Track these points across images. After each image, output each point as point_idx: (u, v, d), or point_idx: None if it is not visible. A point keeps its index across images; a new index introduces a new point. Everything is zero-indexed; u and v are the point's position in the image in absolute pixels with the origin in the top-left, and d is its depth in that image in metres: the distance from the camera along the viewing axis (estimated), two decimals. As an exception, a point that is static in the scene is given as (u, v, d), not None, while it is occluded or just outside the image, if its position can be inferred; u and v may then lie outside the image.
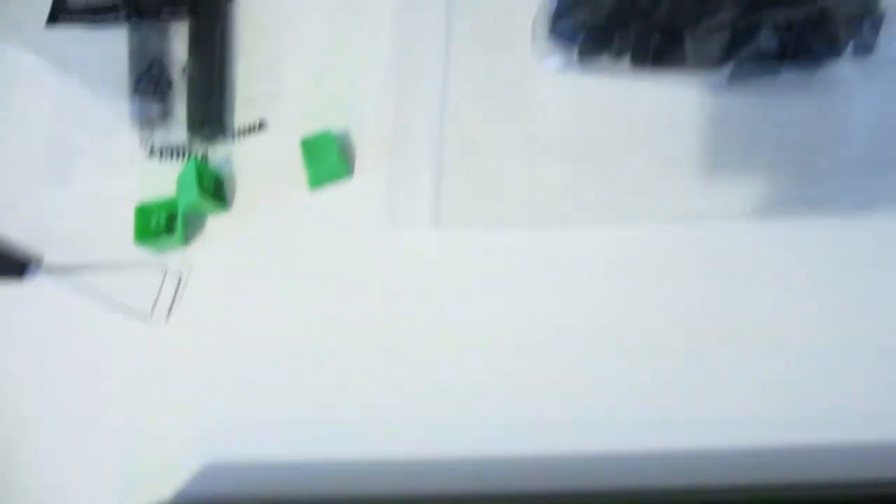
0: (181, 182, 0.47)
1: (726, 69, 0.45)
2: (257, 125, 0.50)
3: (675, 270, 0.44)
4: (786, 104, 0.45)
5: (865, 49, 0.43)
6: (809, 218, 0.43)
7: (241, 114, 0.51)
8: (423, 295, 0.45)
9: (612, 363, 0.42)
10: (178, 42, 0.53)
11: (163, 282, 0.47)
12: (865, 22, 0.43)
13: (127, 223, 0.48)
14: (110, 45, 0.52)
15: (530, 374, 0.43)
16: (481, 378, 0.43)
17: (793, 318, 0.42)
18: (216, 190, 0.48)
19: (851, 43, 0.43)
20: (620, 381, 0.42)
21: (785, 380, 0.41)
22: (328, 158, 0.47)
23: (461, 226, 0.46)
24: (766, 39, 0.43)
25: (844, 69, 0.44)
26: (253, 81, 0.52)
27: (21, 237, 0.49)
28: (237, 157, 0.50)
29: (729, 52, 0.44)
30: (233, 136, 0.50)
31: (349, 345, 0.45)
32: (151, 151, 0.50)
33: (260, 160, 0.50)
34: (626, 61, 0.46)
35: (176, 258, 0.48)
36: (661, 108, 0.47)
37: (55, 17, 0.52)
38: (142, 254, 0.48)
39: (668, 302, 0.43)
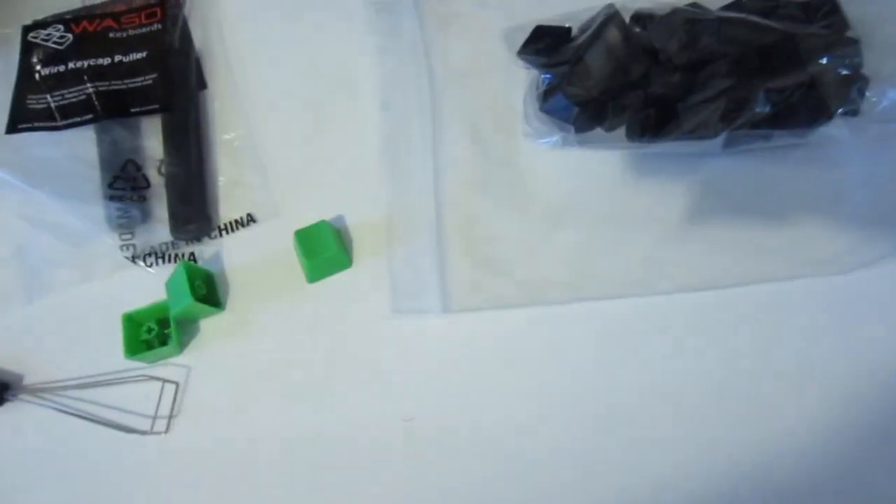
0: (171, 287, 0.45)
1: (721, 137, 0.45)
2: (246, 219, 0.48)
3: (689, 340, 0.44)
4: (782, 166, 0.47)
5: (853, 111, 0.45)
6: (812, 277, 0.44)
7: (227, 207, 0.49)
8: (437, 384, 0.44)
9: (626, 436, 0.42)
10: (153, 139, 0.50)
11: (161, 392, 0.44)
12: (853, 86, 0.44)
13: (114, 334, 0.45)
14: (79, 147, 0.50)
15: (563, 456, 0.42)
16: (509, 468, 0.42)
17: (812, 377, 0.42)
18: (209, 291, 0.46)
19: (841, 106, 0.44)
20: (633, 453, 0.41)
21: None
22: (327, 249, 0.45)
23: (469, 309, 0.45)
24: (760, 107, 0.44)
25: (836, 130, 0.45)
26: (237, 172, 0.50)
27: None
28: (227, 254, 0.48)
29: (723, 122, 0.45)
30: (220, 233, 0.48)
31: (362, 449, 0.43)
32: (134, 256, 0.47)
33: (251, 256, 0.48)
34: (621, 134, 0.47)
35: (172, 367, 0.45)
36: (660, 178, 0.47)
37: (14, 123, 0.50)
38: (132, 364, 0.45)
39: (683, 371, 0.43)
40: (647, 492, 0.41)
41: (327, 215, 0.47)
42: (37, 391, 0.45)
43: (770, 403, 0.42)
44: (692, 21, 0.46)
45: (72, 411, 0.44)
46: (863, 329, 0.43)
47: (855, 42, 0.45)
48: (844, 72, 0.44)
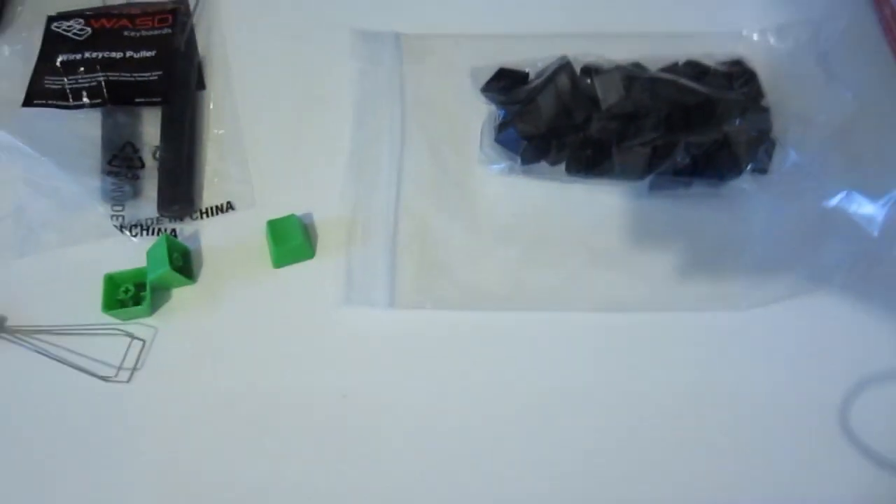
0: (151, 255, 0.51)
1: (647, 180, 0.52)
2: (225, 206, 0.54)
3: (602, 352, 0.50)
4: (697, 211, 0.53)
5: (761, 169, 0.52)
6: (714, 312, 0.50)
7: (210, 194, 0.55)
8: (375, 368, 0.49)
9: (527, 429, 0.48)
10: (151, 126, 0.56)
11: (128, 347, 0.49)
12: (761, 147, 0.51)
13: (94, 292, 0.50)
14: (84, 126, 0.56)
15: (474, 443, 0.47)
16: (428, 447, 0.47)
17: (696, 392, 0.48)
18: (184, 264, 0.51)
19: (750, 163, 0.51)
20: (532, 444, 0.47)
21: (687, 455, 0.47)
22: (293, 239, 0.51)
23: (413, 306, 0.51)
24: (680, 157, 0.50)
25: (746, 184, 0.52)
26: (222, 165, 0.56)
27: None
28: (205, 234, 0.53)
29: (650, 166, 0.51)
30: (201, 216, 0.54)
31: (302, 417, 0.48)
32: (122, 226, 0.53)
33: (226, 238, 0.53)
34: (561, 168, 0.53)
35: (141, 326, 0.50)
36: (592, 210, 0.53)
37: (31, 98, 0.55)
38: (108, 320, 0.50)
39: (595, 379, 0.49)
40: (544, 478, 0.46)
41: (298, 210, 0.53)
42: (16, 332, 0.50)
43: (653, 423, 0.47)
44: (630, 78, 0.53)
45: (45, 353, 0.49)
46: (748, 362, 0.49)
47: (766, 110, 0.52)
48: (754, 134, 0.51)
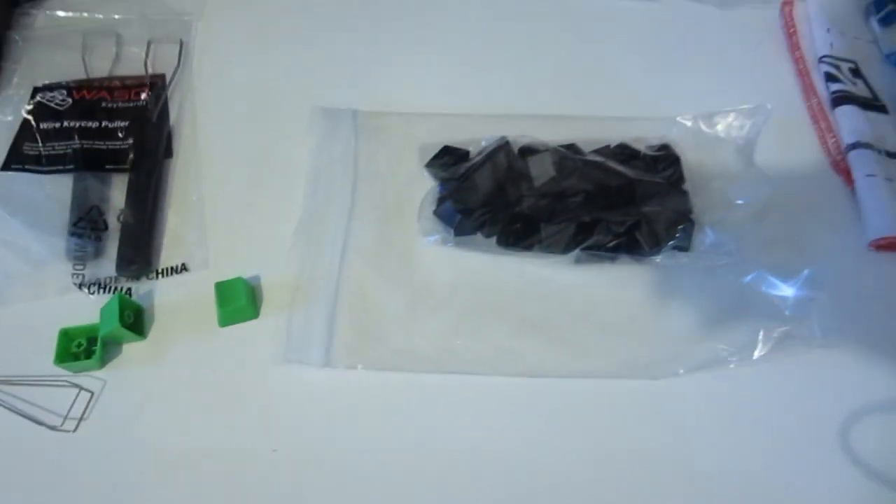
0: (104, 312, 0.54)
1: (573, 254, 0.55)
2: (180, 267, 0.58)
3: (526, 415, 0.52)
4: (622, 284, 0.56)
5: (681, 247, 0.55)
6: (630, 379, 0.53)
7: (167, 255, 0.59)
8: (311, 426, 0.52)
9: (471, 490, 0.50)
10: (118, 190, 0.61)
11: (76, 397, 0.52)
12: (679, 226, 0.54)
13: (49, 345, 0.53)
14: (56, 188, 0.60)
15: (399, 499, 0.49)
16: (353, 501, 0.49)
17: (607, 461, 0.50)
18: (136, 321, 0.55)
19: (670, 241, 0.54)
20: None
21: None
22: (237, 301, 0.54)
23: (348, 366, 0.54)
24: (602, 234, 0.54)
25: (667, 260, 0.55)
26: (181, 229, 0.60)
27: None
28: (158, 294, 0.57)
29: (574, 241, 0.54)
30: (156, 276, 0.57)
31: (236, 471, 0.50)
32: (81, 284, 0.57)
33: (178, 298, 0.57)
34: (493, 241, 0.56)
35: (91, 379, 0.53)
36: (522, 281, 0.56)
37: (9, 163, 0.60)
38: (60, 372, 0.53)
39: (519, 439, 0.51)
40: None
41: (247, 272, 0.56)
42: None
43: (572, 484, 0.50)
44: (563, 159, 0.57)
45: (-2, 400, 0.52)
46: (663, 428, 0.51)
47: (685, 193, 0.56)
48: (673, 216, 0.54)
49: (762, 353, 0.53)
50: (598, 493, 0.49)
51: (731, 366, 0.53)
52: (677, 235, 0.54)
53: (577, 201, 0.55)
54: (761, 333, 0.53)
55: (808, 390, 0.52)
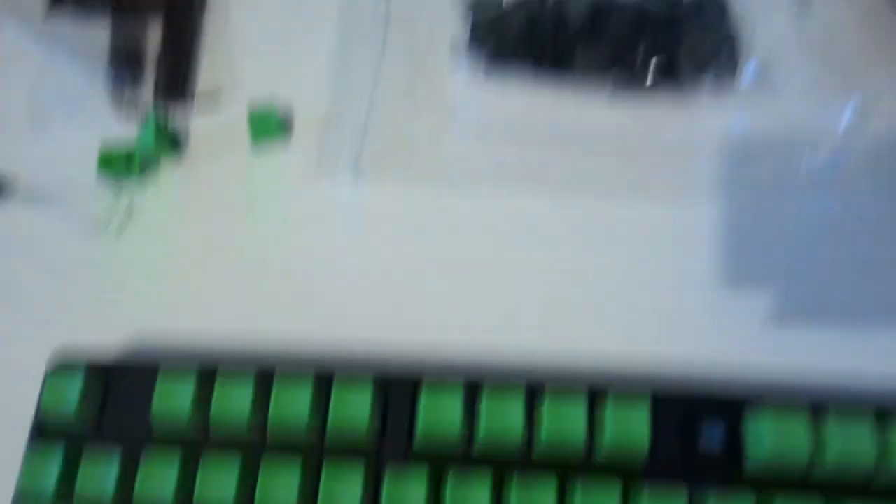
0: (142, 134, 0.55)
1: (609, 81, 0.54)
2: (214, 95, 0.59)
3: (555, 235, 0.53)
4: (655, 115, 0.54)
5: (723, 78, 0.53)
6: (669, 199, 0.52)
7: (203, 80, 0.59)
8: (341, 239, 0.53)
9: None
10: (156, 30, 0.61)
11: (117, 203, 0.54)
12: (723, 55, 0.52)
13: (90, 167, 0.55)
14: (96, 28, 0.61)
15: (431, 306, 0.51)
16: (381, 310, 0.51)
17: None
18: (171, 140, 0.56)
19: (713, 72, 0.52)
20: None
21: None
22: (270, 122, 0.55)
23: (377, 183, 0.55)
24: (640, 60, 0.52)
25: (707, 93, 0.53)
26: (216, 55, 0.60)
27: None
28: (194, 119, 0.58)
29: (611, 66, 0.53)
30: (192, 103, 0.58)
31: (274, 281, 0.52)
32: (120, 111, 0.58)
33: (212, 124, 0.58)
34: (529, 74, 0.55)
35: (130, 190, 0.55)
36: (555, 112, 0.55)
37: (52, 5, 0.61)
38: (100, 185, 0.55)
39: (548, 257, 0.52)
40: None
41: (280, 97, 0.57)
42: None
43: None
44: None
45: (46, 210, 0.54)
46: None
47: (732, 19, 0.54)
48: (719, 44, 0.52)
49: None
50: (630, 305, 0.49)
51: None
52: (721, 64, 0.52)
53: (615, 23, 0.53)
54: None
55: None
